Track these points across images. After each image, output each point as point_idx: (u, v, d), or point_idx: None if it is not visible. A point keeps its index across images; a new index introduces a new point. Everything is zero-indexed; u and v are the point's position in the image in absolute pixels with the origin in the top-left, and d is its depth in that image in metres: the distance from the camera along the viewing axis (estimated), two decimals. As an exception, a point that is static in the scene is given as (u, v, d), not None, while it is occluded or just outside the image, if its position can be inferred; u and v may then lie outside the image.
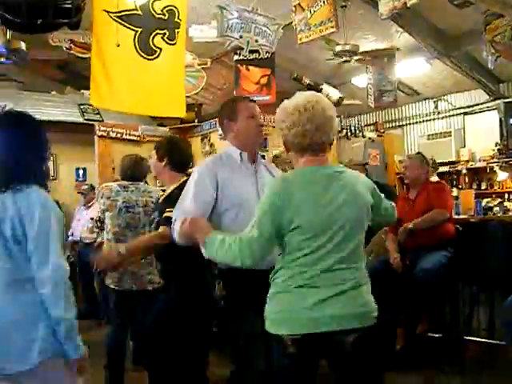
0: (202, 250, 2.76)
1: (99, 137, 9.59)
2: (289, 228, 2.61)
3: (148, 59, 5.34)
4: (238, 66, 8.51)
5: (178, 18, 5.57)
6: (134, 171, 5.33)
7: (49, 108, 9.76)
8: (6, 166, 2.66)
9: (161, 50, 5.41)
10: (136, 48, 5.28)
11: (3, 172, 2.66)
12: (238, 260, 2.64)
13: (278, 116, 2.82)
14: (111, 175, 8.76)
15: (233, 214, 3.25)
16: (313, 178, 2.70)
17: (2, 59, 7.53)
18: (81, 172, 11.19)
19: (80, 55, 9.98)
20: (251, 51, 7.34)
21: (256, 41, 6.71)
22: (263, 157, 5.69)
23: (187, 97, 10.11)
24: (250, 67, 8.46)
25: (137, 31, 5.32)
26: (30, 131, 2.79)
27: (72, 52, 9.94)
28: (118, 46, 5.08)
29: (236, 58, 8.48)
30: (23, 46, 7.78)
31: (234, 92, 8.53)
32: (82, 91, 10.85)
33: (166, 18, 5.49)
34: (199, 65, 9.64)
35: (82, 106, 10.39)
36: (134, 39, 5.29)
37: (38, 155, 2.78)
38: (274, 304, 2.69)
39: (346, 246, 2.66)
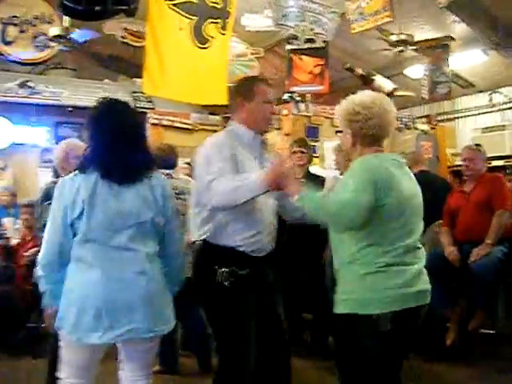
0: (294, 199, 2.78)
1: (152, 124, 9.66)
2: (382, 203, 2.71)
3: (200, 48, 5.37)
4: (291, 55, 8.48)
5: (230, 7, 5.58)
6: (170, 159, 5.30)
7: (100, 95, 9.84)
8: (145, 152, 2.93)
9: (213, 38, 5.43)
10: (190, 37, 5.31)
11: (145, 158, 2.90)
12: (334, 218, 2.75)
13: (349, 108, 2.93)
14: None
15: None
16: (391, 162, 2.86)
17: (61, 46, 7.64)
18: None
19: (133, 44, 10.13)
20: (306, 40, 7.29)
21: (311, 29, 6.68)
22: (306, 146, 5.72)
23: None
24: (303, 57, 8.42)
25: (192, 20, 5.35)
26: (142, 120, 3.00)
27: (125, 41, 10.07)
28: (181, 29, 5.10)
29: (289, 47, 8.44)
30: (80, 33, 7.89)
31: (286, 81, 8.51)
32: (134, 79, 11.01)
33: (219, 6, 5.51)
34: (252, 54, 9.64)
35: (134, 94, 10.48)
36: (190, 28, 5.32)
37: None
38: (363, 285, 2.75)
39: (419, 226, 2.89)
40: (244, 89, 3.34)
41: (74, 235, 2.76)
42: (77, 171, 2.82)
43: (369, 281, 2.73)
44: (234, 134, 3.28)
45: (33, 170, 10.20)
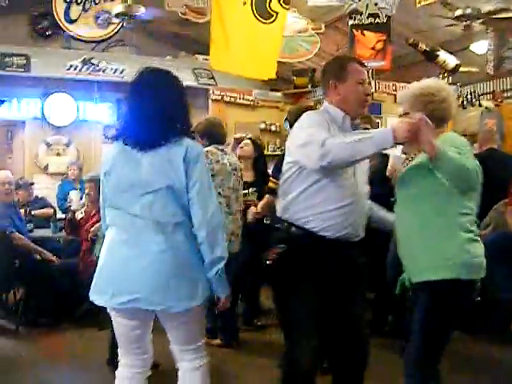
0: (432, 154, 2.61)
1: (213, 101, 9.70)
2: None
3: (264, 23, 5.35)
4: (354, 30, 8.36)
5: None
6: (221, 134, 5.18)
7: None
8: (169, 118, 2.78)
9: (277, 14, 5.40)
10: (254, 12, 5.31)
11: (167, 124, 2.76)
12: (470, 177, 2.74)
13: (424, 91, 3.00)
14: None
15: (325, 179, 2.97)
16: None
17: (124, 24, 7.72)
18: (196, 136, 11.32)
19: (194, 20, 10.17)
20: (368, 15, 7.19)
21: (375, 4, 6.57)
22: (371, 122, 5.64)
23: (300, 62, 10.14)
24: (366, 32, 8.30)
25: (255, -5, 5.34)
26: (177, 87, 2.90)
27: (186, 17, 10.11)
28: (244, 3, 5.10)
29: (351, 22, 8.33)
30: (143, 10, 7.96)
31: (349, 57, 8.42)
32: (196, 56, 11.08)
33: (282, -20, 5.47)
34: (313, 29, 9.56)
35: (196, 71, 10.54)
36: (253, 3, 5.31)
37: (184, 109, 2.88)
38: (466, 250, 2.85)
39: None
40: (336, 69, 3.16)
41: None
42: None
43: (469, 247, 2.85)
44: (327, 114, 3.11)
45: (96, 146, 10.36)
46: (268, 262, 3.13)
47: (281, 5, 5.39)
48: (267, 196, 5.09)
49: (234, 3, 5.26)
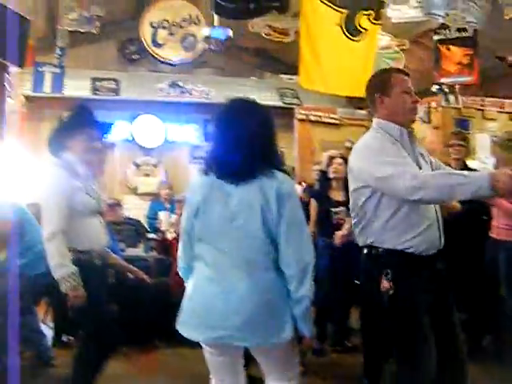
0: None
1: (299, 120, 9.73)
2: None
3: (354, 40, 5.36)
4: (439, 45, 8.25)
5: None
6: None
7: (248, 93, 10.01)
8: (259, 152, 2.71)
9: (366, 31, 5.40)
10: (343, 30, 5.33)
11: (257, 157, 2.70)
12: None
13: None
14: (310, 158, 8.87)
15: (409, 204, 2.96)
16: None
17: (211, 46, 7.87)
18: (279, 156, 11.40)
19: (278, 40, 10.26)
20: (456, 29, 7.08)
21: (463, 18, 6.46)
22: (464, 139, 5.55)
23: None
24: (451, 47, 8.18)
25: (343, 13, 5.35)
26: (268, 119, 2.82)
27: (270, 37, 10.22)
28: (333, 22, 5.13)
29: (437, 37, 8.22)
30: (230, 33, 8.09)
31: (435, 73, 8.30)
32: (280, 75, 11.17)
33: (370, -3, 5.48)
34: (397, 46, 9.48)
35: (280, 90, 10.64)
36: (341, 21, 5.33)
37: (274, 142, 2.82)
38: None
39: None
40: (380, 83, 3.20)
41: None
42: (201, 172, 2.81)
43: None
44: (382, 131, 3.12)
45: (184, 167, 10.59)
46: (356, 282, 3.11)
47: (371, 21, 5.39)
48: None
49: (323, 22, 5.30)
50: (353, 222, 3.23)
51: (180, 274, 2.93)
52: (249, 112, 2.77)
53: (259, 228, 2.62)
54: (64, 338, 6.13)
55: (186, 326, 2.75)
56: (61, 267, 3.50)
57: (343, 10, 5.30)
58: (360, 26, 5.35)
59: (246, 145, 2.66)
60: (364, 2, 5.39)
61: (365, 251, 3.14)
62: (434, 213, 3.07)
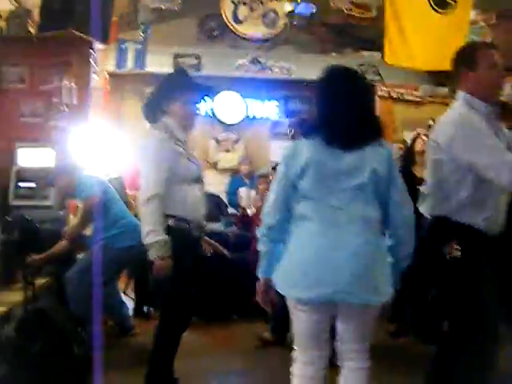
0: None
1: (380, 97, 9.59)
2: None
3: (442, 13, 5.20)
4: (528, 19, 7.94)
5: None
6: None
7: (329, 69, 9.94)
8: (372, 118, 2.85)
9: (455, 2, 5.23)
10: (430, 2, 5.17)
11: (371, 124, 2.81)
12: None
13: None
14: (391, 136, 8.71)
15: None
16: None
17: (293, 21, 7.82)
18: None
19: (359, 16, 10.10)
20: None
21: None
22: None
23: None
24: (542, 21, 7.85)
25: (431, -15, 5.21)
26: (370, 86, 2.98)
27: (351, 13, 10.07)
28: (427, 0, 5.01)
29: (526, 11, 7.91)
30: (310, 8, 8.02)
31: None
32: (361, 52, 11.00)
33: (459, -31, 5.30)
34: (483, 21, 9.17)
35: (361, 67, 10.46)
36: (429, -7, 5.19)
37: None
38: None
39: None
40: (466, 57, 3.15)
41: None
42: (301, 137, 2.88)
43: None
44: (469, 106, 3.07)
45: (264, 143, 10.58)
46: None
47: (459, -8, 5.22)
48: None
49: (408, -4, 5.17)
50: (425, 191, 3.27)
51: (263, 234, 2.85)
52: (355, 79, 2.87)
53: (372, 189, 2.70)
54: (144, 309, 6.30)
55: (289, 284, 2.74)
56: (152, 234, 3.47)
57: (430, -17, 5.15)
58: (448, -3, 5.19)
59: (357, 111, 2.75)
60: (452, -26, 5.22)
61: (435, 222, 3.17)
62: (502, 197, 3.10)
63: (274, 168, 8.34)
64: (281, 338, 5.06)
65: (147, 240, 3.48)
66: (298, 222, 2.79)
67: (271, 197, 2.87)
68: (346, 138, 2.72)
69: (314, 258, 2.67)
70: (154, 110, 3.80)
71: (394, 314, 5.45)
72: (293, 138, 4.98)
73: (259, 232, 2.88)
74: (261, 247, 2.87)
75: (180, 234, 3.58)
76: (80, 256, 5.35)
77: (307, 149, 2.76)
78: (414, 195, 5.11)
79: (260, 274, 2.89)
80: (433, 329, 4.77)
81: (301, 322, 2.82)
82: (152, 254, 3.47)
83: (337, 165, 2.70)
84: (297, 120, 5.15)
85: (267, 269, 2.84)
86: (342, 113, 2.75)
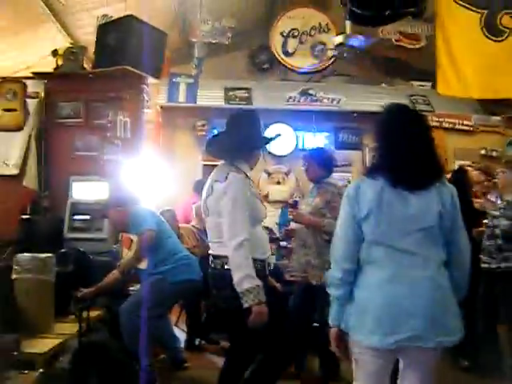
0: None
1: (432, 127, 9.49)
2: None
3: (496, 41, 5.13)
4: None
5: None
6: None
7: (378, 100, 9.90)
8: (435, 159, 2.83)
9: (510, 30, 5.15)
10: (483, 31, 5.11)
11: (435, 165, 2.82)
12: None
13: None
14: (444, 167, 8.59)
15: None
16: None
17: (344, 53, 7.81)
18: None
19: (409, 46, 10.08)
20: None
21: None
22: None
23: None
24: None
25: (482, 13, 5.15)
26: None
27: (400, 43, 10.06)
28: (471, 24, 4.97)
29: None
30: (361, 39, 8.00)
31: None
32: (411, 82, 10.95)
33: (514, -5, 5.23)
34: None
35: (412, 97, 10.40)
36: (480, 22, 5.13)
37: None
38: None
39: None
40: None
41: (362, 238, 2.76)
42: (364, 177, 2.83)
43: None
44: None
45: (315, 173, 10.52)
46: None
47: (514, 20, 5.13)
48: None
49: (460, 25, 5.12)
50: None
51: (339, 278, 2.77)
52: (417, 120, 2.88)
53: (438, 231, 2.71)
54: (196, 341, 6.29)
55: (364, 332, 2.69)
56: (248, 279, 3.30)
57: (482, 11, 5.08)
58: (502, 24, 5.10)
59: (421, 152, 2.75)
60: (505, 1, 5.14)
61: None
62: None
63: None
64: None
65: (244, 286, 3.30)
66: (367, 266, 2.76)
67: (340, 237, 2.83)
68: (412, 180, 2.72)
69: (388, 305, 2.64)
70: (230, 151, 3.66)
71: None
72: (306, 171, 4.95)
73: (332, 275, 2.81)
74: (334, 292, 2.81)
75: (261, 277, 3.44)
76: (134, 288, 5.38)
77: (372, 190, 2.73)
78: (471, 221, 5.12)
79: (333, 321, 2.82)
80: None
81: (366, 366, 2.78)
82: (249, 301, 3.29)
83: (404, 208, 2.70)
84: (309, 152, 5.11)
85: (341, 315, 2.79)
86: (406, 154, 2.74)
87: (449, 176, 5.55)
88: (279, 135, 3.97)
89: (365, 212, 2.71)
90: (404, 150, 2.74)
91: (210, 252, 3.62)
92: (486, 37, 5.08)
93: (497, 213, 4.98)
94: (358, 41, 8.06)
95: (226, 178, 3.46)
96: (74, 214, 6.05)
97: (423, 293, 2.61)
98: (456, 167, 5.84)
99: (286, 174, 10.53)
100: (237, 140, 3.62)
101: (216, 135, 3.92)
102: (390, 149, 2.81)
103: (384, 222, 2.69)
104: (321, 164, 4.75)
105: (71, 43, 7.18)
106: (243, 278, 3.29)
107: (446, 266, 2.75)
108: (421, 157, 2.73)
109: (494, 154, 9.88)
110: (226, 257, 3.40)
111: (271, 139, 3.83)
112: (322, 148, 4.98)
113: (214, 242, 3.56)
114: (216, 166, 3.74)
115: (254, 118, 3.77)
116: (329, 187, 4.75)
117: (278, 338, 3.58)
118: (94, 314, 4.94)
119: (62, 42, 7.22)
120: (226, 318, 3.58)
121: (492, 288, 5.11)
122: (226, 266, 3.41)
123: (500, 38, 5.11)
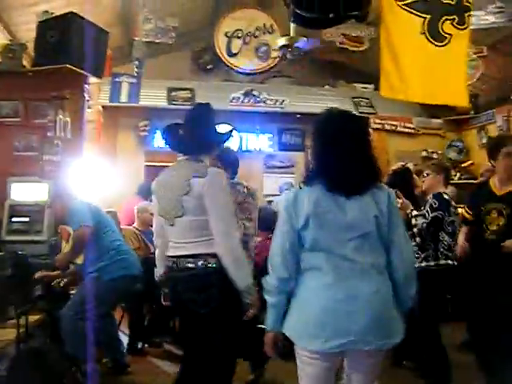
0: None
1: (374, 130, 9.63)
2: None
3: (437, 46, 5.19)
4: (519, 53, 8.00)
5: (467, 1, 5.33)
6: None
7: (322, 102, 9.97)
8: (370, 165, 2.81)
9: (451, 36, 5.22)
10: (426, 35, 5.16)
11: (369, 170, 2.79)
12: None
13: None
14: (385, 168, 8.70)
15: None
16: None
17: (288, 55, 7.85)
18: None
19: (352, 49, 10.18)
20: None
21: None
22: None
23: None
24: (532, 53, 7.92)
25: (425, 18, 5.21)
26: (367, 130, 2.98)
27: (344, 46, 10.15)
28: (414, 28, 5.02)
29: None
30: (304, 41, 8.05)
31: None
32: (354, 84, 11.07)
33: (453, 2, 5.30)
34: (475, 53, 9.25)
35: (354, 99, 10.52)
36: (423, 26, 5.18)
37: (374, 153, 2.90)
38: None
39: None
40: None
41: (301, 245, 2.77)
42: (302, 184, 2.83)
43: None
44: None
45: (258, 176, 10.51)
46: None
47: (454, 26, 5.19)
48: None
49: (404, 29, 5.15)
50: None
51: (274, 285, 2.78)
52: (353, 124, 2.86)
53: (377, 237, 2.72)
54: (139, 345, 6.19)
55: (305, 337, 2.70)
56: (249, 277, 3.38)
57: (424, 15, 5.14)
58: (443, 30, 5.17)
59: (356, 156, 2.73)
60: (446, 7, 5.21)
61: None
62: None
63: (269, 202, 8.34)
64: None
65: (248, 282, 3.36)
66: (307, 273, 2.76)
67: (277, 246, 2.81)
68: (348, 186, 2.72)
69: (330, 310, 2.65)
70: (198, 146, 3.59)
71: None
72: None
73: (268, 283, 2.80)
74: (269, 299, 2.80)
75: None
76: (74, 292, 5.26)
77: (309, 199, 2.73)
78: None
79: (269, 326, 2.82)
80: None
81: (309, 370, 2.78)
82: (251, 297, 3.36)
83: (341, 215, 2.70)
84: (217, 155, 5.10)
85: (276, 321, 2.79)
86: (341, 159, 2.73)
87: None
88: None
89: (302, 221, 2.71)
90: (338, 156, 2.74)
91: (174, 254, 3.50)
92: (429, 41, 5.13)
93: (416, 212, 5.04)
94: (302, 43, 8.12)
95: (206, 173, 3.39)
96: (12, 216, 5.88)
97: (362, 298, 2.63)
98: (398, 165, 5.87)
99: (231, 175, 10.50)
100: (202, 134, 3.56)
101: (173, 128, 3.83)
102: (324, 155, 2.80)
103: (322, 230, 2.70)
104: (228, 166, 4.65)
105: (10, 40, 6.98)
106: (248, 274, 3.36)
107: (388, 270, 2.76)
108: (356, 162, 2.73)
109: (435, 155, 10.06)
110: (209, 255, 3.35)
111: (229, 135, 3.79)
112: (228, 149, 4.89)
113: (190, 242, 3.43)
114: (159, 167, 3.67)
115: (213, 114, 3.71)
116: (237, 187, 4.71)
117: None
118: (33, 318, 4.82)
119: (0, 39, 7.03)
120: (202, 321, 3.42)
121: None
122: (210, 265, 3.34)
123: (441, 44, 5.17)
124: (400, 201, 4.84)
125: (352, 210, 2.69)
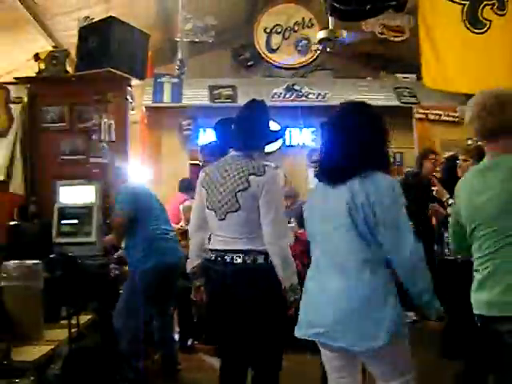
0: None
1: (417, 120, 9.54)
2: None
3: (477, 33, 5.10)
4: None
5: None
6: None
7: (364, 93, 9.92)
8: (353, 153, 2.70)
9: (491, 22, 5.12)
10: (464, 23, 5.09)
11: (351, 159, 2.69)
12: None
13: None
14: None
15: None
16: None
17: (328, 48, 7.80)
18: (397, 156, 11.00)
19: (393, 39, 10.07)
20: None
21: None
22: None
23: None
24: None
25: (464, 5, 5.13)
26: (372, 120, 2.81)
27: (384, 36, 10.05)
28: (453, 16, 4.93)
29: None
30: (344, 34, 7.99)
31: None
32: (396, 75, 10.97)
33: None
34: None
35: (397, 90, 10.42)
36: (462, 14, 5.11)
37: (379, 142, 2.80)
38: None
39: None
40: None
41: None
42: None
43: None
44: None
45: (302, 170, 10.55)
46: None
47: (494, 12, 5.08)
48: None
49: (442, 17, 5.09)
50: None
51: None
52: (349, 115, 2.84)
53: (354, 228, 2.60)
54: (189, 342, 6.25)
55: (298, 323, 2.82)
56: (295, 277, 3.41)
57: (462, 2, 5.06)
58: (483, 16, 5.07)
59: (342, 147, 2.73)
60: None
61: None
62: None
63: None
64: None
65: (294, 281, 3.40)
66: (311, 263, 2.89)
67: None
68: (328, 173, 2.75)
69: (306, 301, 2.79)
70: (250, 142, 3.58)
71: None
72: (202, 166, 4.70)
73: None
74: None
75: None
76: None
77: (311, 192, 2.94)
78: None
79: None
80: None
81: (324, 359, 2.89)
82: (295, 295, 3.36)
83: (323, 204, 2.74)
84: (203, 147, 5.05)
85: None
86: (328, 151, 2.80)
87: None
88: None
89: (305, 214, 2.88)
90: (328, 146, 2.81)
91: (220, 247, 3.49)
92: (468, 29, 5.05)
93: (452, 200, 4.89)
94: (341, 35, 8.06)
95: (264, 172, 3.39)
96: (61, 219, 6.00)
97: (329, 293, 2.65)
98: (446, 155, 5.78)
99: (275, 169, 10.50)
100: (255, 130, 3.59)
101: (225, 123, 3.92)
102: (323, 147, 2.88)
103: (311, 221, 2.83)
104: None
105: (53, 46, 7.12)
106: (294, 274, 3.38)
107: (381, 263, 2.64)
108: (339, 151, 2.71)
109: (480, 144, 9.87)
110: (258, 251, 3.37)
111: (283, 133, 3.85)
112: (215, 142, 4.77)
113: (240, 238, 3.42)
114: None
115: (267, 111, 3.76)
116: None
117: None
118: (84, 318, 4.92)
119: (44, 46, 7.16)
120: (249, 316, 3.44)
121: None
122: (258, 261, 3.37)
123: (481, 30, 5.07)
124: (435, 188, 4.78)
125: (331, 201, 2.69)
